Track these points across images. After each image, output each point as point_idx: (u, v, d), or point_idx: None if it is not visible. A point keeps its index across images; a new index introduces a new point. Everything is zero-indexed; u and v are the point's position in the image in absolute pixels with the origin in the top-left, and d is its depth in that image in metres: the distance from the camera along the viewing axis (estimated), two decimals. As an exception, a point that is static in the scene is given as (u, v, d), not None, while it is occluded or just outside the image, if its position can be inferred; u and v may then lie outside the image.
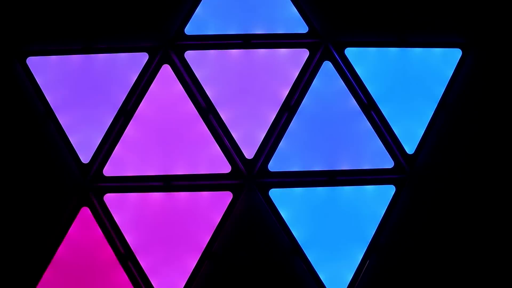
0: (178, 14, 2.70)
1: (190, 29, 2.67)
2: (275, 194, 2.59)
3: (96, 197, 2.55)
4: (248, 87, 2.65)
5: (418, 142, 2.65)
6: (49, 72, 2.63)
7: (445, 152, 2.71)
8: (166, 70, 2.63)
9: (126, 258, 2.52)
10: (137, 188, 2.57)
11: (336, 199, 2.61)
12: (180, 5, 2.71)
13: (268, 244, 2.61)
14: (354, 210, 2.60)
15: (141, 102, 2.61)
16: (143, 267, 2.51)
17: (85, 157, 2.57)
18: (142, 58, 2.64)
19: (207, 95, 2.62)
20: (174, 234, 2.55)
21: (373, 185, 2.62)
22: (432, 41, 2.74)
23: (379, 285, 2.62)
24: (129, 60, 2.64)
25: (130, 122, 2.60)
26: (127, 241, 2.53)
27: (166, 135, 2.61)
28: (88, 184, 2.57)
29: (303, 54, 2.67)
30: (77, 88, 2.63)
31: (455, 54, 2.73)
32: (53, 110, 2.60)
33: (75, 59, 2.65)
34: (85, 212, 2.54)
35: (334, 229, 2.59)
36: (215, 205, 2.57)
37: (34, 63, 2.63)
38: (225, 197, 2.57)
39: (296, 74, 2.65)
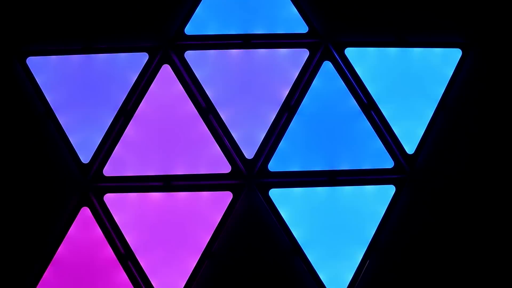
0: (178, 14, 2.70)
1: (190, 29, 2.67)
2: (275, 194, 2.59)
3: (96, 197, 2.55)
4: (248, 87, 2.65)
5: (418, 142, 2.65)
6: (49, 72, 2.63)
7: (445, 152, 2.71)
8: (166, 70, 2.63)
9: (126, 258, 2.52)
10: (137, 188, 2.57)
11: (336, 199, 2.61)
12: (180, 5, 2.71)
13: (268, 244, 2.61)
14: (354, 210, 2.60)
15: (141, 102, 2.61)
16: (143, 267, 2.51)
17: (85, 157, 2.57)
18: (142, 58, 2.64)
19: (207, 95, 2.62)
20: (174, 234, 2.55)
21: (373, 185, 2.62)
22: (432, 41, 2.74)
23: (379, 285, 2.62)
24: (129, 60, 2.64)
25: (130, 122, 2.60)
26: (127, 241, 2.53)
27: (166, 135, 2.61)
28: (88, 184, 2.57)
29: (303, 54, 2.67)
30: (77, 88, 2.63)
31: (455, 54, 2.73)
32: (53, 110, 2.60)
33: (75, 59, 2.65)
34: (85, 212, 2.54)
35: (334, 229, 2.59)
36: (215, 205, 2.57)
37: (34, 63, 2.63)
38: (225, 197, 2.57)
39: (296, 74, 2.65)
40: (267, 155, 2.60)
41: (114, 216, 2.54)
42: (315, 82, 2.65)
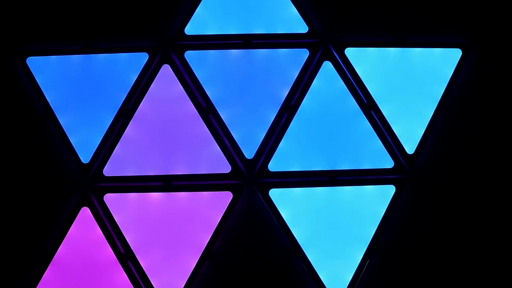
0: (178, 14, 2.70)
1: (190, 29, 2.67)
2: (275, 194, 2.59)
3: (96, 197, 2.55)
4: (248, 87, 2.65)
5: (418, 142, 2.65)
6: (49, 72, 2.63)
7: (445, 152, 2.71)
8: (166, 70, 2.63)
9: (126, 258, 2.52)
10: (137, 188, 2.57)
11: (336, 199, 2.61)
12: (180, 5, 2.71)
13: (268, 244, 2.61)
14: (354, 210, 2.60)
15: (141, 102, 2.61)
16: (143, 267, 2.51)
17: (85, 157, 2.57)
18: (142, 58, 2.64)
19: (207, 95, 2.62)
20: (174, 234, 2.55)
21: (373, 185, 2.62)
22: (432, 41, 2.74)
23: (379, 285, 2.62)
24: (129, 60, 2.64)
25: (130, 122, 2.60)
26: (127, 241, 2.53)
27: (166, 135, 2.61)
28: (88, 184, 2.57)
29: (303, 54, 2.67)
30: (77, 88, 2.63)
31: (455, 54, 2.73)
32: (53, 110, 2.60)
33: (75, 59, 2.65)
34: (85, 212, 2.54)
35: (334, 229, 2.59)
36: (215, 205, 2.57)
37: (34, 63, 2.63)
38: (225, 197, 2.57)
39: (296, 74, 2.65)
40: (267, 155, 2.60)
41: (114, 216, 2.54)
42: (315, 82, 2.65)
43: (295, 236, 2.57)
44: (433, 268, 2.64)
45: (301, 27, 2.69)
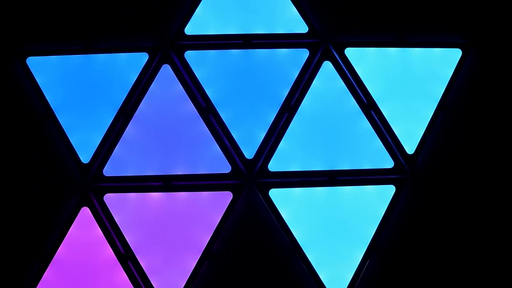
0: (178, 14, 2.70)
1: (190, 29, 2.67)
2: (275, 194, 2.59)
3: (96, 197, 2.55)
4: (248, 87, 2.65)
5: (418, 142, 2.65)
6: (49, 72, 2.63)
7: (445, 152, 2.71)
8: (166, 70, 2.63)
9: (126, 258, 2.52)
10: (137, 188, 2.57)
11: (336, 199, 2.61)
12: (180, 5, 2.71)
13: (268, 244, 2.61)
14: (354, 210, 2.60)
15: (141, 102, 2.61)
16: (143, 267, 2.51)
17: (85, 157, 2.57)
18: (142, 58, 2.64)
19: (207, 95, 2.62)
20: (174, 234, 2.55)
21: (373, 185, 2.62)
22: (432, 41, 2.74)
23: (379, 285, 2.62)
24: (129, 60, 2.64)
25: (130, 122, 2.60)
26: (127, 241, 2.53)
27: (166, 135, 2.61)
28: (88, 184, 2.57)
29: (303, 54, 2.67)
30: (77, 88, 2.63)
31: (455, 54, 2.73)
32: (53, 110, 2.60)
33: (75, 59, 2.65)
34: (85, 212, 2.54)
35: (334, 229, 2.59)
36: (215, 205, 2.57)
37: (34, 63, 2.63)
38: (225, 197, 2.57)
39: (296, 74, 2.65)
40: (267, 155, 2.60)
41: (114, 216, 2.54)
42: (315, 82, 2.65)
43: (295, 236, 2.57)
44: (433, 268, 2.64)
45: (301, 27, 2.69)
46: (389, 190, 2.62)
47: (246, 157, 2.59)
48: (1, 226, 2.57)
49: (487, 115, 2.74)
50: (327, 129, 2.64)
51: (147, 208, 2.56)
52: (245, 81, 2.65)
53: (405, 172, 2.64)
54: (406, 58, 2.72)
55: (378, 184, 2.62)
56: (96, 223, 2.53)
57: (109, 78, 2.63)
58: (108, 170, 2.57)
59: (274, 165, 2.60)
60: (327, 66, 2.67)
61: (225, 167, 2.59)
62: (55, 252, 2.51)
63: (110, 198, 2.56)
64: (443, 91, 2.70)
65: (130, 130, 2.60)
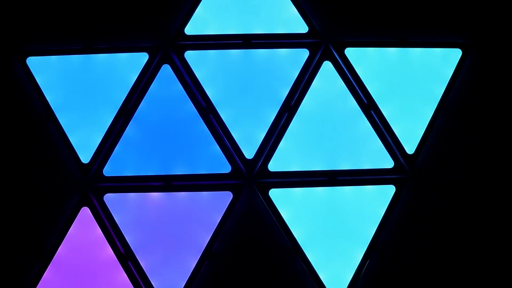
0: (178, 14, 2.70)
1: (190, 29, 2.67)
2: (275, 194, 2.59)
3: (96, 197, 2.55)
4: (248, 87, 2.65)
5: (418, 142, 2.65)
6: (49, 72, 2.63)
7: (445, 152, 2.71)
8: (166, 70, 2.63)
9: (126, 258, 2.52)
10: (137, 188, 2.57)
11: (336, 199, 2.61)
12: (180, 5, 2.71)
13: (268, 244, 2.61)
14: (354, 210, 2.60)
15: (141, 102, 2.61)
16: (143, 267, 2.51)
17: (85, 157, 2.57)
18: (142, 58, 2.64)
19: (207, 95, 2.62)
20: (174, 234, 2.55)
21: (373, 185, 2.62)
22: (432, 41, 2.74)
23: (379, 285, 2.62)
24: (129, 60, 2.64)
25: (130, 122, 2.60)
26: (127, 241, 2.53)
27: (166, 135, 2.61)
28: (88, 184, 2.57)
29: (303, 54, 2.67)
30: (77, 88, 2.63)
31: (455, 54, 2.73)
32: (53, 110, 2.60)
33: (75, 59, 2.65)
34: (85, 212, 2.54)
35: (334, 229, 2.59)
36: (215, 205, 2.57)
37: (34, 63, 2.63)
38: (225, 197, 2.57)
39: (296, 74, 2.65)
40: (267, 155, 2.60)
41: (114, 216, 2.54)
42: (315, 82, 2.65)
43: (295, 236, 2.57)
44: (433, 268, 2.64)
45: (301, 27, 2.69)
46: (389, 190, 2.62)
47: (246, 157, 2.59)
48: (1, 226, 2.57)
49: (487, 115, 2.74)
50: (327, 129, 2.64)
51: (147, 208, 2.56)
52: (245, 81, 2.65)
53: (405, 172, 2.64)
54: (406, 58, 2.72)
55: (378, 184, 2.62)
56: (96, 223, 2.53)
57: (109, 78, 2.63)
58: (108, 170, 2.57)
59: (274, 165, 2.60)
60: (327, 66, 2.67)
61: (225, 167, 2.59)
62: (55, 252, 2.51)
63: (110, 198, 2.56)
64: (443, 91, 2.70)
65: (130, 130, 2.60)
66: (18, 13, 2.70)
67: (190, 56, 2.64)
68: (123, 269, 2.51)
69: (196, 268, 2.52)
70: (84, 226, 2.54)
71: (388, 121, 2.65)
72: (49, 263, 2.51)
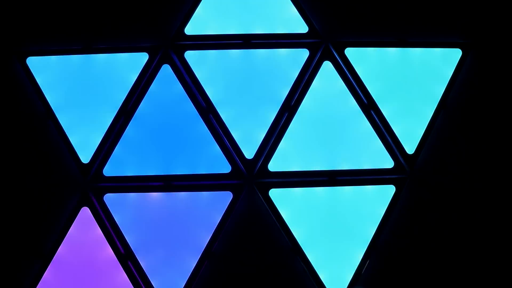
0: (178, 14, 2.70)
1: (190, 29, 2.67)
2: (275, 194, 2.59)
3: (96, 197, 2.55)
4: (248, 87, 2.65)
5: (418, 142, 2.65)
6: (49, 72, 2.63)
7: (445, 152, 2.71)
8: (166, 70, 2.63)
9: (126, 258, 2.52)
10: (137, 188, 2.57)
11: (336, 199, 2.61)
12: (180, 5, 2.71)
13: (268, 244, 2.61)
14: (354, 210, 2.60)
15: (141, 102, 2.61)
16: (143, 267, 2.51)
17: (85, 157, 2.57)
18: (142, 58, 2.64)
19: (207, 95, 2.62)
20: (174, 234, 2.55)
21: (373, 185, 2.62)
22: (432, 41, 2.74)
23: (379, 285, 2.62)
24: (129, 60, 2.64)
25: (130, 122, 2.60)
26: (127, 241, 2.53)
27: (166, 135, 2.61)
28: (88, 184, 2.57)
29: (303, 54, 2.67)
30: (77, 88, 2.63)
31: (455, 54, 2.73)
32: (53, 110, 2.60)
33: (75, 59, 2.65)
34: (85, 212, 2.54)
35: (334, 229, 2.59)
36: (215, 205, 2.57)
37: (34, 63, 2.63)
38: (225, 197, 2.57)
39: (296, 74, 2.65)
40: (267, 155, 2.60)
41: (114, 216, 2.54)
42: (315, 82, 2.65)
43: (295, 236, 2.57)
44: (433, 268, 2.64)
45: (301, 27, 2.69)
46: (389, 190, 2.62)
47: (246, 157, 2.59)
48: (1, 226, 2.57)
49: (487, 115, 2.74)
50: (327, 129, 2.64)
51: (147, 208, 2.56)
52: (245, 81, 2.65)
53: (405, 172, 2.64)
54: (406, 58, 2.72)
55: (378, 184, 2.62)
56: (96, 223, 2.53)
57: (109, 78, 2.63)
58: (108, 170, 2.57)
59: (274, 165, 2.60)
60: (327, 66, 2.67)
61: (225, 167, 2.59)
62: (55, 252, 2.51)
63: (110, 198, 2.56)
64: (443, 91, 2.70)
65: (130, 130, 2.60)
66: (18, 13, 2.70)
67: (190, 56, 2.64)
68: (123, 269, 2.51)
69: (196, 268, 2.52)
70: (84, 226, 2.54)
71: (388, 121, 2.65)
72: (49, 263, 2.51)
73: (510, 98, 2.76)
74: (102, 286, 2.51)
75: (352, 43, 2.69)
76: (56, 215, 2.58)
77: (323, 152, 2.63)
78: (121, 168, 2.58)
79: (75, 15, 2.70)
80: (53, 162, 2.62)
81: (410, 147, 2.65)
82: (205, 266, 2.55)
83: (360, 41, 2.71)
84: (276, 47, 2.67)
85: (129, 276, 2.50)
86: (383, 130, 2.64)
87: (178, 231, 2.55)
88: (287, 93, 2.63)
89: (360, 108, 2.65)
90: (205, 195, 2.58)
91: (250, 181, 2.59)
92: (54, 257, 2.51)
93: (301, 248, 2.57)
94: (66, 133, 2.58)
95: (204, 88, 2.62)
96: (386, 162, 2.63)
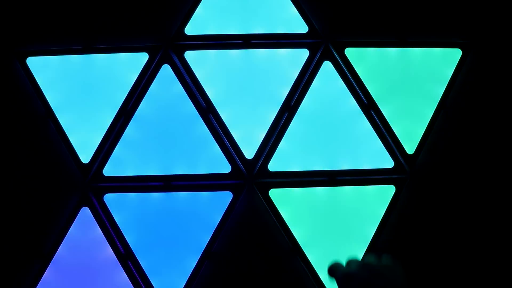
0: (178, 14, 2.70)
1: (190, 29, 2.67)
2: (275, 194, 2.59)
3: (96, 197, 2.55)
4: (248, 87, 2.65)
5: (418, 142, 2.65)
6: (49, 72, 2.63)
7: (445, 152, 2.71)
8: (166, 70, 2.64)
9: (126, 258, 2.52)
10: (137, 188, 2.57)
11: (336, 199, 2.61)
12: (180, 5, 2.71)
13: (268, 244, 2.61)
14: (354, 210, 2.60)
15: (141, 102, 2.61)
16: (143, 267, 2.51)
17: (85, 157, 2.57)
18: (142, 58, 2.64)
19: (207, 95, 2.62)
20: (174, 234, 2.55)
21: (373, 185, 2.62)
22: (432, 41, 2.74)
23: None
24: (129, 60, 2.64)
25: (130, 122, 2.60)
26: (127, 241, 2.53)
27: (166, 135, 2.61)
28: (88, 184, 2.57)
29: (303, 54, 2.67)
30: (77, 88, 2.63)
31: (455, 54, 2.73)
32: (53, 110, 2.60)
33: (75, 59, 2.65)
34: (85, 212, 2.54)
35: (334, 229, 2.59)
36: (215, 205, 2.57)
37: (34, 63, 2.63)
38: (225, 197, 2.57)
39: (296, 74, 2.65)
40: (267, 155, 2.60)
41: (114, 216, 2.54)
42: (315, 82, 2.65)
43: (295, 236, 2.57)
44: (432, 268, 2.64)
45: (301, 27, 2.69)
46: (389, 190, 2.62)
47: (246, 157, 2.59)
48: (1, 226, 2.57)
49: (487, 115, 2.74)
50: (327, 129, 2.64)
51: (147, 208, 2.56)
52: (245, 81, 2.65)
53: (405, 172, 2.64)
54: (406, 58, 2.72)
55: (378, 184, 2.62)
56: (96, 223, 2.53)
57: (109, 78, 2.63)
58: (108, 170, 2.57)
59: (274, 165, 2.60)
60: (327, 66, 2.67)
61: (225, 167, 2.59)
62: (55, 252, 2.51)
63: (110, 198, 2.56)
64: (443, 91, 2.70)
65: (130, 130, 2.60)
66: (19, 13, 2.70)
67: (190, 56, 2.64)
68: (123, 269, 2.51)
69: (196, 268, 2.52)
70: (84, 226, 2.54)
71: (388, 121, 2.65)
72: (49, 263, 2.51)
73: (510, 98, 2.76)
74: (102, 286, 2.51)
75: (352, 43, 2.69)
76: (56, 215, 2.58)
77: (323, 152, 2.63)
78: (121, 168, 2.58)
79: (75, 15, 2.70)
80: (53, 162, 2.62)
81: (410, 147, 2.65)
82: (205, 266, 2.55)
83: (360, 41, 2.71)
84: (276, 47, 2.67)
85: (129, 276, 2.50)
86: (383, 130, 2.64)
87: (178, 231, 2.55)
88: (287, 93, 2.64)
89: (360, 108, 2.65)
90: (205, 195, 2.58)
91: (250, 181, 2.59)
92: (54, 257, 2.51)
93: (301, 248, 2.57)
94: (66, 133, 2.58)
95: (204, 88, 2.62)
96: (386, 162, 2.64)
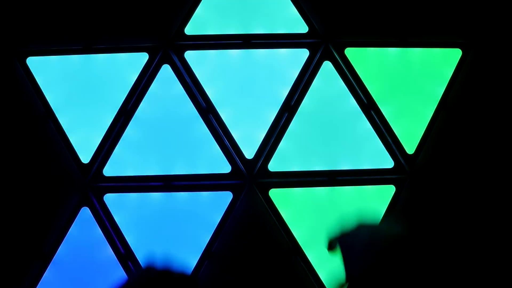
0: (178, 14, 2.70)
1: (190, 29, 2.67)
2: (275, 194, 2.58)
3: (96, 197, 2.55)
4: (248, 87, 2.65)
5: (418, 142, 2.65)
6: (49, 72, 2.63)
7: (445, 152, 2.71)
8: (166, 70, 2.63)
9: (126, 258, 2.52)
10: (137, 188, 2.57)
11: (336, 199, 2.61)
12: (180, 5, 2.71)
13: (268, 244, 2.61)
14: (354, 210, 2.60)
15: (141, 102, 2.61)
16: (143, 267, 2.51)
17: (85, 157, 2.57)
18: (142, 58, 2.64)
19: (207, 95, 2.62)
20: (174, 234, 2.54)
21: (373, 185, 2.62)
22: (432, 41, 2.74)
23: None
24: (129, 60, 2.64)
25: (130, 122, 2.60)
26: (127, 241, 2.53)
27: (166, 135, 2.61)
28: (88, 184, 2.57)
29: (303, 54, 2.67)
30: (77, 88, 2.63)
31: (455, 54, 2.73)
32: (53, 110, 2.60)
33: (75, 59, 2.65)
34: (85, 212, 2.54)
35: (334, 229, 2.58)
36: (215, 205, 2.57)
37: (34, 63, 2.63)
38: (225, 197, 2.57)
39: (296, 74, 2.65)
40: (267, 155, 2.60)
41: (114, 216, 2.54)
42: (315, 82, 2.65)
43: (295, 236, 2.57)
44: (432, 268, 2.64)
45: (301, 27, 2.69)
46: (389, 190, 2.62)
47: (246, 157, 2.59)
48: (1, 226, 2.57)
49: (487, 115, 2.74)
50: (327, 129, 2.64)
51: (147, 208, 2.56)
52: (245, 81, 2.65)
53: (405, 172, 2.64)
54: (406, 58, 2.72)
55: (378, 184, 2.62)
56: (96, 223, 2.53)
57: (109, 78, 2.63)
58: (108, 170, 2.57)
59: (274, 165, 2.60)
60: (327, 66, 2.66)
61: (225, 167, 2.59)
62: (55, 252, 2.51)
63: (110, 198, 2.56)
64: (443, 91, 2.69)
65: (130, 130, 2.60)
66: (19, 13, 2.69)
67: (190, 56, 2.64)
68: (123, 269, 2.51)
69: (196, 268, 2.52)
70: (84, 226, 2.54)
71: (388, 121, 2.65)
72: (49, 263, 2.51)
73: (510, 98, 2.75)
74: (102, 286, 2.51)
75: (352, 43, 2.69)
76: (56, 215, 2.58)
77: (323, 152, 2.63)
78: (121, 168, 2.58)
79: (75, 15, 2.70)
80: (53, 162, 2.62)
81: (410, 147, 2.65)
82: (205, 266, 2.55)
83: (360, 41, 2.71)
84: (276, 47, 2.67)
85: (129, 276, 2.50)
86: (383, 130, 2.64)
87: (178, 231, 2.55)
88: (287, 93, 2.63)
89: (360, 108, 2.65)
90: (205, 195, 2.58)
91: (250, 181, 2.59)
92: (54, 257, 2.51)
93: (301, 248, 2.57)
94: (66, 133, 2.58)
95: (204, 88, 2.62)
96: (386, 162, 2.63)
